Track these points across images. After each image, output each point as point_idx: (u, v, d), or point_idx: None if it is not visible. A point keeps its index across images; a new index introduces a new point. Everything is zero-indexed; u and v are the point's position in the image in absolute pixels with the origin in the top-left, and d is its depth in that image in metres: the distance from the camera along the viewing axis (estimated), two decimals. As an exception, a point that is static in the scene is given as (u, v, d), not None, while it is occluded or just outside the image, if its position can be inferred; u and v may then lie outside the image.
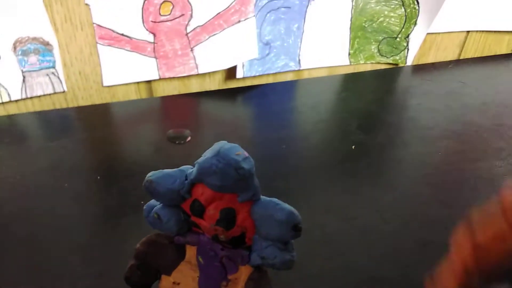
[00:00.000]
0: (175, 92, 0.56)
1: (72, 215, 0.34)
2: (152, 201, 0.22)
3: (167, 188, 0.20)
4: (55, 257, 0.29)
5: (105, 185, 0.37)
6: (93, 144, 0.44)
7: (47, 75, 0.49)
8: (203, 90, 0.57)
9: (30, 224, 0.33)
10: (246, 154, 0.19)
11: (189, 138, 0.44)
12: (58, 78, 0.50)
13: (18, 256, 0.30)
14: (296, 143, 0.44)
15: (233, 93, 0.56)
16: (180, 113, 0.51)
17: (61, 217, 0.33)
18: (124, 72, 0.52)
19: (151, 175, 0.21)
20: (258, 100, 0.54)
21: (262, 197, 0.21)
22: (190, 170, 0.21)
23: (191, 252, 0.23)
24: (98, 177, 0.38)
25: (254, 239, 0.21)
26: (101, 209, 0.34)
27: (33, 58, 0.48)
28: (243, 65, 0.55)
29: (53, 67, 0.49)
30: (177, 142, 0.43)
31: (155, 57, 0.52)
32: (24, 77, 0.48)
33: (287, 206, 0.20)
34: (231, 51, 0.54)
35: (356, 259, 0.29)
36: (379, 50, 0.62)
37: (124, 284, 0.24)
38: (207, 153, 0.20)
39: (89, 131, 0.46)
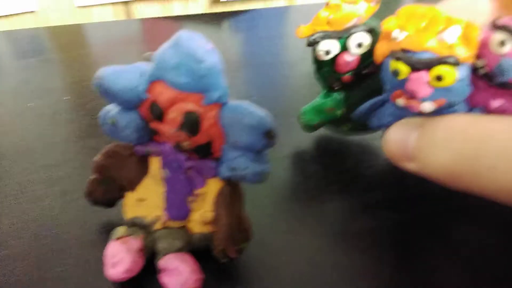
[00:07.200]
0: (155, 16, 0.52)
1: (36, 135, 0.31)
2: (109, 106, 0.20)
3: (121, 85, 0.18)
4: (15, 177, 0.27)
5: (75, 106, 0.34)
6: (64, 65, 0.41)
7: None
8: (186, 14, 0.53)
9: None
10: (211, 45, 0.17)
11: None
12: (26, -6, 0.45)
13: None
14: (285, 69, 0.41)
15: (219, 17, 0.52)
16: (160, 37, 0.47)
17: (24, 136, 0.31)
18: (98, -11, 0.48)
19: (102, 71, 0.18)
20: (246, 25, 0.50)
21: (232, 101, 0.18)
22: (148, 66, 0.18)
23: (155, 165, 0.21)
24: (68, 97, 0.35)
25: (223, 148, 0.19)
26: (68, 130, 0.32)
27: (-4, -29, 0.43)
28: (229, -14, 0.51)
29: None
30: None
31: (133, -26, 0.48)
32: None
33: (259, 110, 0.18)
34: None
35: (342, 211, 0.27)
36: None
37: (87, 203, 0.22)
38: (165, 45, 0.17)
39: (60, 52, 0.43)
